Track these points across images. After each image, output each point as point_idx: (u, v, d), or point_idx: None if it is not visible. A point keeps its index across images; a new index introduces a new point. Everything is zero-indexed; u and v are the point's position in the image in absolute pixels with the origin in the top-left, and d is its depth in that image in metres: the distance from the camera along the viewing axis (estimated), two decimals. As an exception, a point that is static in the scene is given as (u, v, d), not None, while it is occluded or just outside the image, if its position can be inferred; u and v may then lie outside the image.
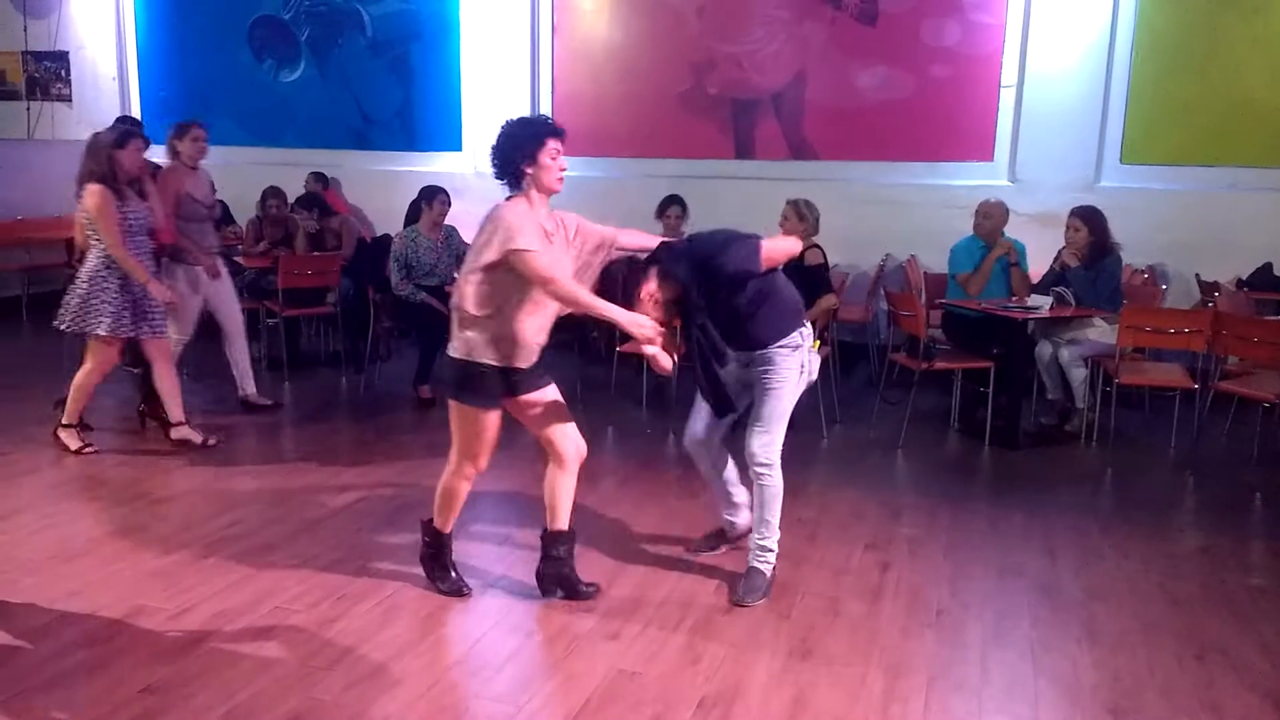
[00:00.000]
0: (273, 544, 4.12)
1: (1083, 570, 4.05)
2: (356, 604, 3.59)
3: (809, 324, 3.81)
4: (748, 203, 7.34)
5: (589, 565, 3.95)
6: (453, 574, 3.72)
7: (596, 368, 6.90)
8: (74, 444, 5.22)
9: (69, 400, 5.26)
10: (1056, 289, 5.77)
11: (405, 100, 8.97)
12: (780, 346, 3.65)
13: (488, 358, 3.37)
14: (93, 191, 4.91)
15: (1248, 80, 6.72)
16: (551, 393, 3.58)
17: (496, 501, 4.71)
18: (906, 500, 4.83)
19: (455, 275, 6.52)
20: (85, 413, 5.32)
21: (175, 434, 5.35)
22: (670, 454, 5.52)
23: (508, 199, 3.46)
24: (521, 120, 3.46)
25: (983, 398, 5.77)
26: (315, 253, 7.34)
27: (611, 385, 6.46)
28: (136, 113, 10.02)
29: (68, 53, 10.10)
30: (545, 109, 8.42)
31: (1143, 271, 6.70)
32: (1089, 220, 5.81)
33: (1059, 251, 6.06)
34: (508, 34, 8.43)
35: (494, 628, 3.48)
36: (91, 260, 5.03)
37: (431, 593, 3.70)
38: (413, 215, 6.88)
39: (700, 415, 3.88)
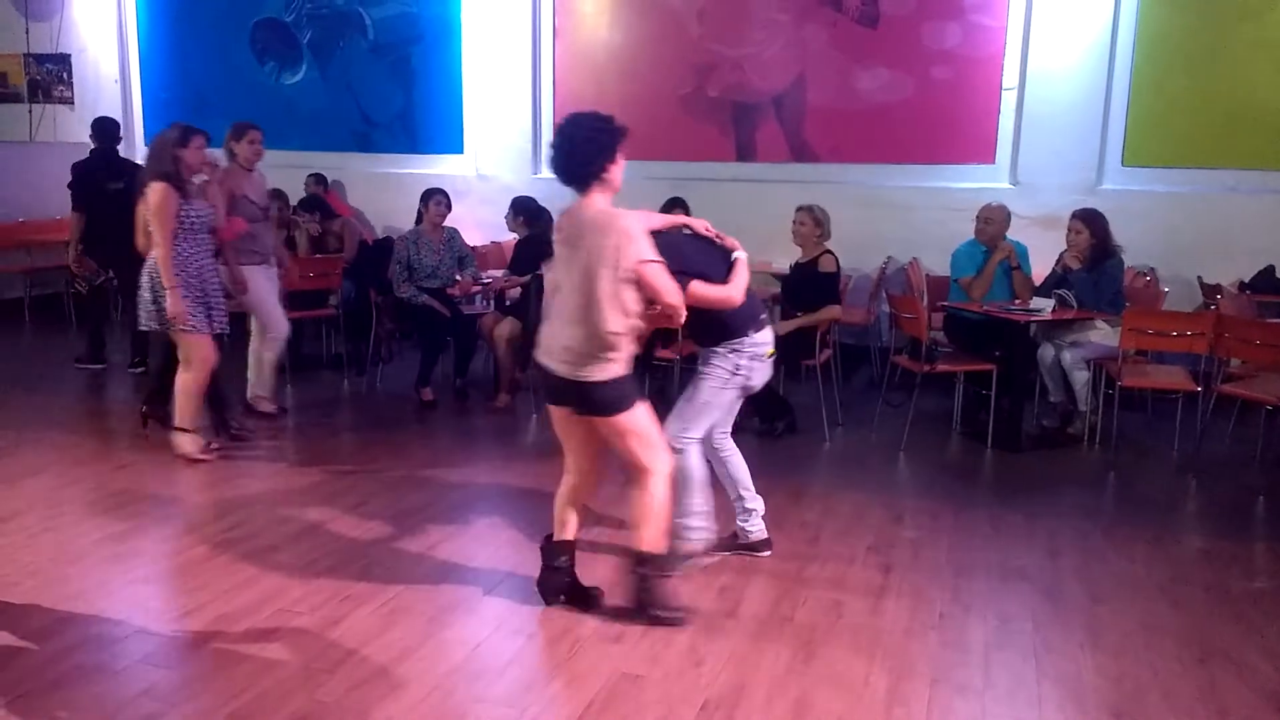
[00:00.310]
0: (276, 546, 4.12)
1: (1085, 572, 4.05)
2: (359, 606, 3.59)
3: (760, 334, 3.77)
4: (749, 205, 7.34)
5: (591, 567, 3.95)
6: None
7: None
8: (193, 449, 5.12)
9: (178, 405, 5.12)
10: (1058, 291, 5.77)
11: (407, 103, 8.98)
12: (719, 346, 3.74)
13: (626, 369, 3.33)
14: (155, 189, 4.87)
15: (1249, 82, 6.72)
16: None
17: (498, 503, 4.71)
18: (909, 502, 4.82)
19: (457, 277, 6.57)
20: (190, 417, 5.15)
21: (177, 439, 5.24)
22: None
23: (583, 199, 3.37)
24: (598, 117, 3.36)
25: (985, 400, 5.77)
26: (317, 255, 7.34)
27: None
28: (138, 115, 10.05)
29: (70, 55, 10.11)
30: (546, 112, 8.43)
31: (1144, 274, 6.69)
32: (1090, 222, 5.81)
33: (1060, 254, 6.06)
34: (509, 36, 8.44)
35: (496, 631, 3.47)
36: (150, 259, 4.99)
37: (433, 595, 3.70)
38: (420, 218, 6.89)
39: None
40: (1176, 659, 3.35)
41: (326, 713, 2.93)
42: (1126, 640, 3.47)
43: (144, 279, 5.03)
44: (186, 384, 5.11)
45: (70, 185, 6.95)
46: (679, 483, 3.74)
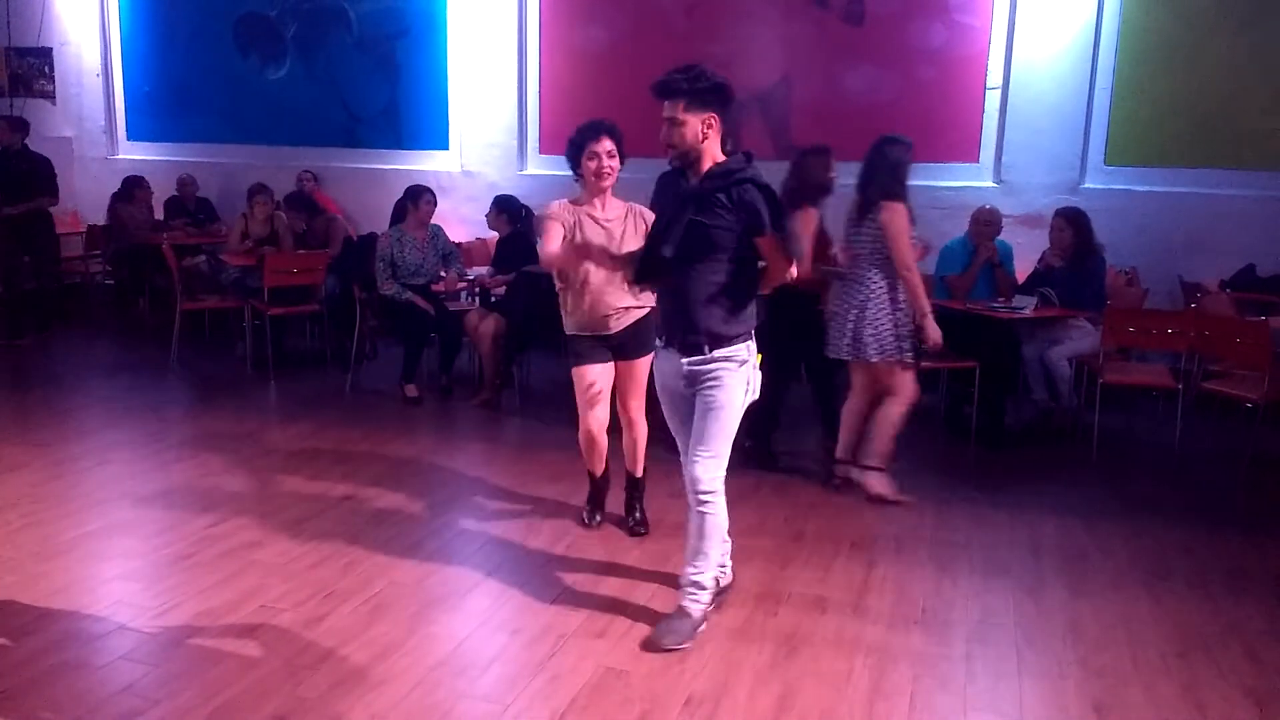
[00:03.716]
0: (258, 542, 4.10)
1: (1067, 568, 4.07)
2: (342, 603, 3.58)
3: (752, 342, 3.37)
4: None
5: (577, 564, 3.95)
6: None
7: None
8: (887, 491, 4.68)
9: (877, 441, 4.70)
10: (1041, 289, 5.80)
11: (392, 98, 8.94)
12: (725, 362, 3.26)
13: None
14: (896, 210, 4.51)
15: (1231, 83, 6.77)
16: None
17: (481, 500, 4.70)
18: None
19: (442, 274, 6.56)
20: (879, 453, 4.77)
21: (857, 474, 4.77)
22: (661, 453, 5.52)
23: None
24: None
25: (968, 397, 5.80)
26: (300, 251, 7.31)
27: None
28: (120, 109, 9.98)
29: (51, 49, 10.03)
30: (533, 108, 8.41)
31: (1126, 272, 6.74)
32: (1073, 221, 5.85)
33: (1043, 252, 6.10)
34: (495, 31, 8.41)
35: (480, 627, 3.47)
36: (875, 282, 4.57)
37: (416, 592, 3.69)
38: (398, 214, 6.86)
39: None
40: (1157, 654, 3.37)
41: (309, 709, 2.92)
42: (1108, 635, 3.50)
43: (867, 305, 4.56)
44: (892, 418, 4.70)
45: None
46: (702, 533, 3.33)
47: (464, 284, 6.73)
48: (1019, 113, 7.18)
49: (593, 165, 3.94)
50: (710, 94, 3.25)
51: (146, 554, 3.99)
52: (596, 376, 4.09)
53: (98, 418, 6.00)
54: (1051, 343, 5.84)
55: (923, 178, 7.41)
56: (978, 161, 7.37)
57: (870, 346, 4.61)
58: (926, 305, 4.58)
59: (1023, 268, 6.21)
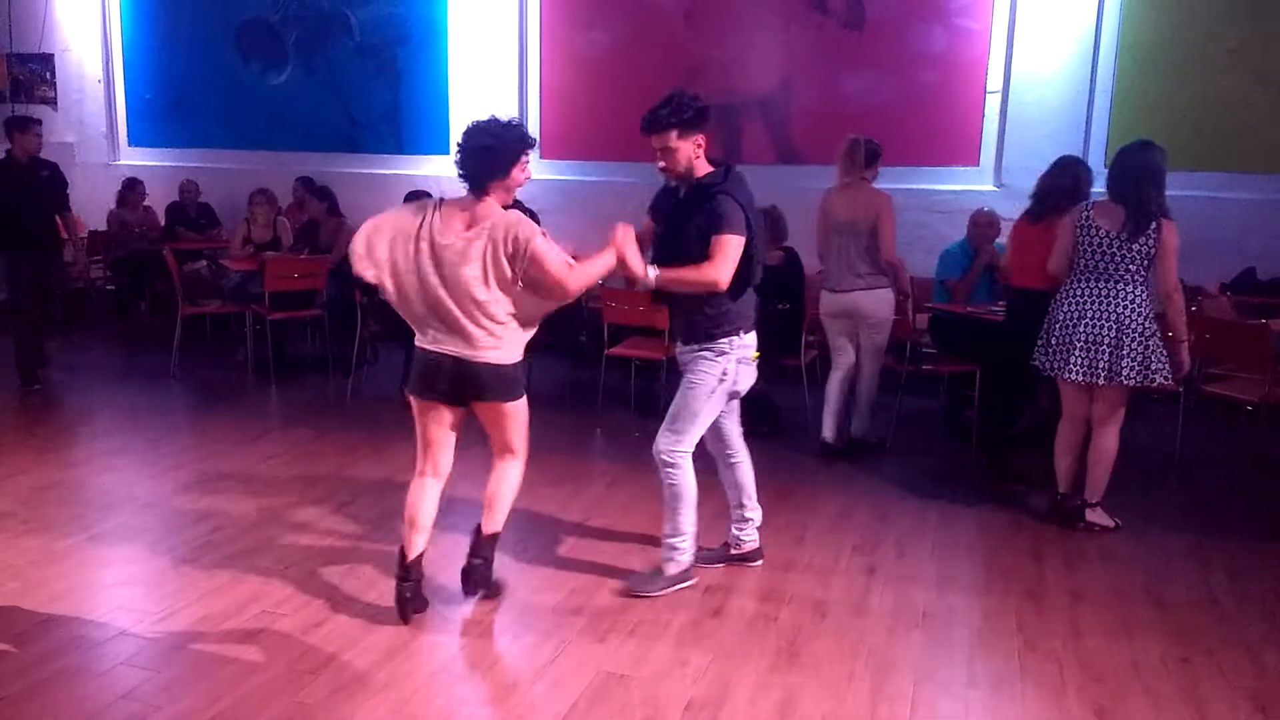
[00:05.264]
0: (259, 548, 4.10)
1: (1068, 572, 4.07)
2: (342, 609, 3.58)
3: (747, 335, 3.67)
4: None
5: (577, 569, 3.95)
6: None
7: (584, 370, 6.90)
8: (1110, 521, 4.52)
9: (1098, 478, 4.49)
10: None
11: (393, 103, 8.95)
12: (704, 350, 3.60)
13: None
14: (1175, 229, 4.30)
15: (1231, 85, 6.77)
16: None
17: (481, 506, 4.69)
18: (894, 502, 4.83)
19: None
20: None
21: (1091, 515, 4.55)
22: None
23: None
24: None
25: (969, 400, 5.79)
26: (305, 254, 7.31)
27: (599, 388, 6.45)
28: (122, 115, 9.99)
29: (53, 55, 10.05)
30: (533, 112, 8.42)
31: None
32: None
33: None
34: (496, 37, 8.42)
35: (480, 632, 3.47)
36: (1145, 300, 4.34)
37: (418, 596, 3.68)
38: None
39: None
40: (1158, 658, 3.37)
41: (309, 715, 2.92)
42: (1109, 639, 3.49)
43: (1143, 328, 4.29)
44: (1115, 447, 4.48)
45: None
46: (667, 501, 3.70)
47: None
48: (1019, 116, 7.19)
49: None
50: (696, 119, 3.54)
51: (147, 559, 3.98)
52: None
53: (99, 423, 6.00)
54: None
55: (923, 181, 7.44)
56: (978, 165, 7.37)
57: (1138, 369, 4.29)
58: (1186, 330, 4.36)
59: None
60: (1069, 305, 4.41)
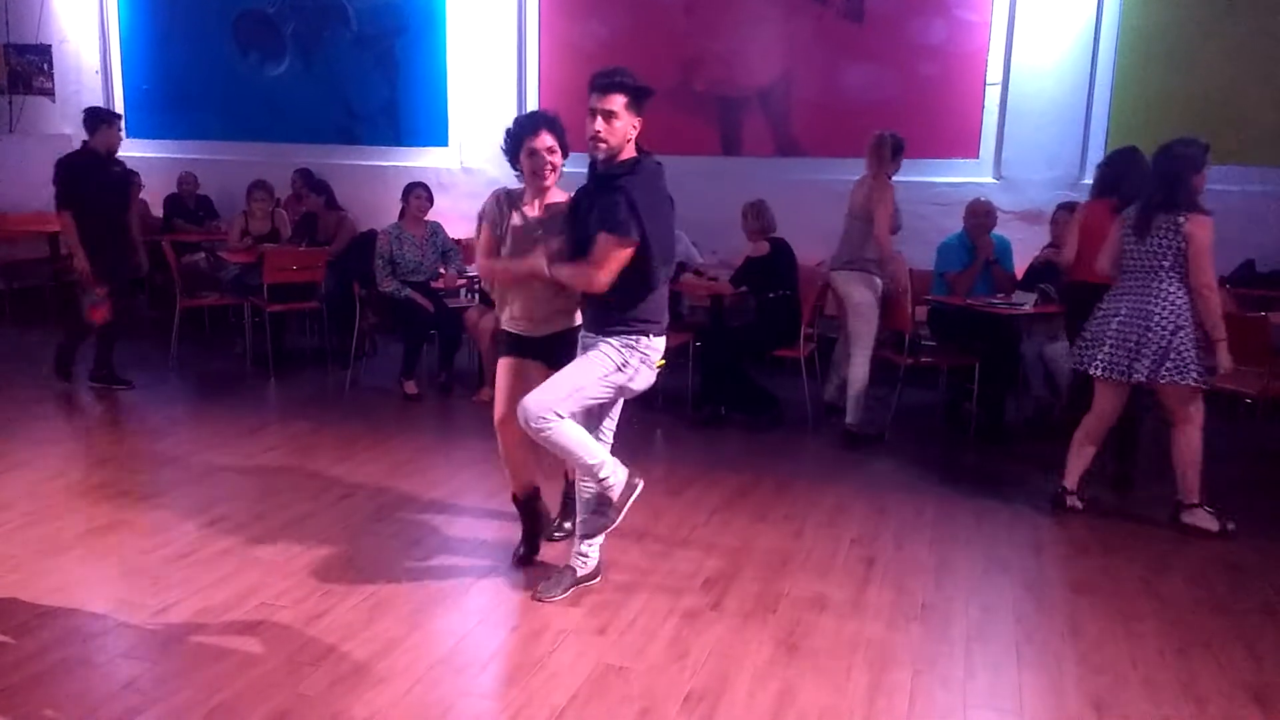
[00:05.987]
0: (258, 540, 4.10)
1: (1067, 564, 4.08)
2: (342, 600, 3.58)
3: (656, 339, 3.51)
4: (734, 200, 7.32)
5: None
6: None
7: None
8: (1214, 525, 4.41)
9: (1189, 476, 4.44)
10: (1040, 285, 5.79)
11: (391, 95, 8.93)
12: (609, 340, 3.45)
13: None
14: (1206, 224, 4.24)
15: (1231, 78, 6.76)
16: None
17: (481, 498, 4.70)
18: (892, 495, 4.84)
19: (441, 271, 6.55)
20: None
21: (1186, 516, 4.48)
22: (656, 450, 5.53)
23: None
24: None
25: (968, 393, 5.80)
26: (304, 246, 7.31)
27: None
28: (120, 107, 9.96)
29: (50, 46, 10.02)
30: (532, 104, 8.39)
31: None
32: (1074, 217, 5.83)
33: (1043, 248, 6.09)
34: (494, 28, 8.40)
35: (480, 623, 3.47)
36: (1179, 298, 4.29)
37: (417, 589, 3.69)
38: (403, 212, 6.85)
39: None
40: (1157, 650, 3.38)
41: (309, 707, 2.92)
42: (1107, 631, 3.50)
43: (1175, 323, 4.27)
44: (1196, 445, 4.41)
45: (56, 182, 6.26)
46: (565, 452, 3.43)
47: (463, 281, 6.72)
48: (1019, 108, 7.18)
49: (530, 164, 3.58)
50: (643, 98, 3.50)
51: (147, 551, 3.98)
52: (504, 372, 3.80)
53: (97, 415, 6.00)
54: (1050, 338, 5.84)
55: (922, 173, 7.43)
56: (978, 157, 7.36)
57: (1179, 368, 4.28)
58: (1224, 329, 4.29)
59: (1022, 264, 6.20)
60: (1109, 302, 4.49)
